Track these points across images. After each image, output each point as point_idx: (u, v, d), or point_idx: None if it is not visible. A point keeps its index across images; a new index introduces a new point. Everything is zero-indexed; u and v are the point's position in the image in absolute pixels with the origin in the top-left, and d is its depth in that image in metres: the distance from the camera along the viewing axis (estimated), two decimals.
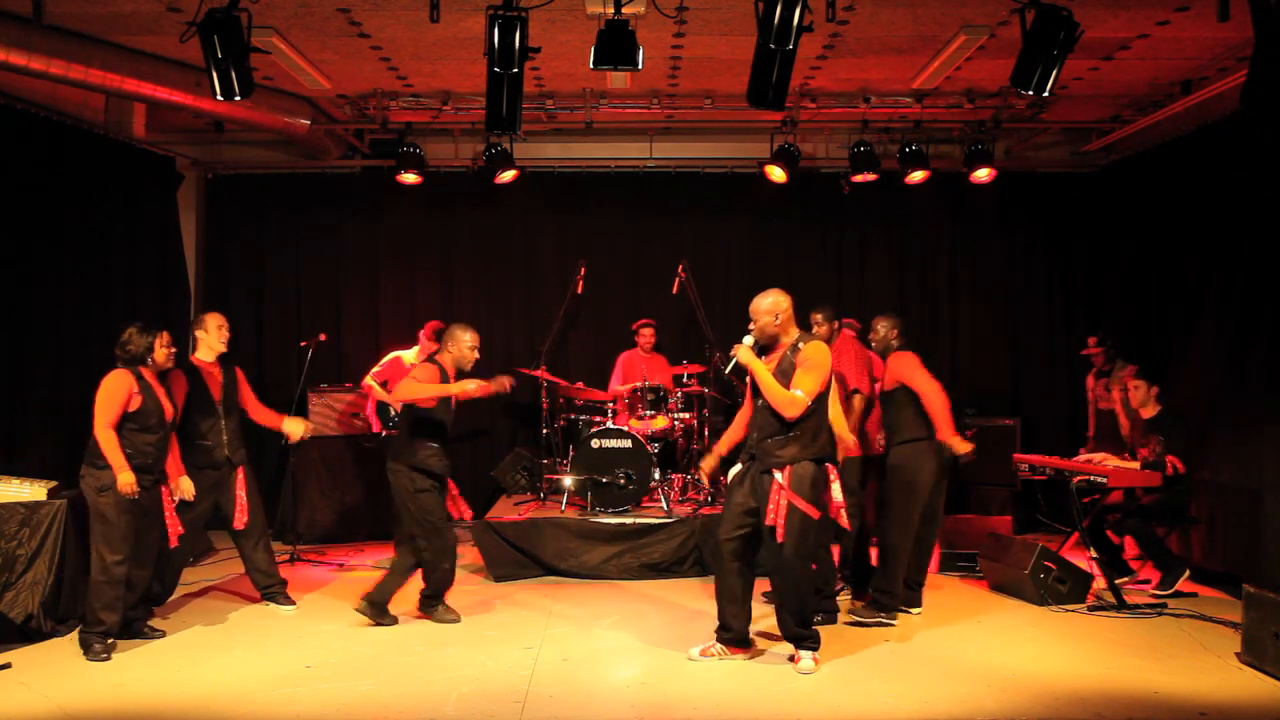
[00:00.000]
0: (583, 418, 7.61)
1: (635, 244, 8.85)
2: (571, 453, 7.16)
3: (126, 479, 4.89)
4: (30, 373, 6.52)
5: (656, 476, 6.98)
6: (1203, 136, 7.01)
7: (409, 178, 7.92)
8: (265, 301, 8.78)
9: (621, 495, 6.88)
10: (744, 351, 4.82)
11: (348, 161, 8.76)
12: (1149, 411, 6.42)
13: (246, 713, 4.29)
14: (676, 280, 7.92)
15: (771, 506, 4.69)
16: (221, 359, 5.75)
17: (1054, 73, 4.89)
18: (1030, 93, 4.95)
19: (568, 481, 7.04)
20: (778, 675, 4.75)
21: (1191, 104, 6.93)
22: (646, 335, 8.11)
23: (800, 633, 4.82)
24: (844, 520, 4.94)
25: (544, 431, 7.79)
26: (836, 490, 4.84)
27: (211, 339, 5.71)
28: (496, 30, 4.87)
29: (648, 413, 7.37)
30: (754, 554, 4.95)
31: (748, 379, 4.93)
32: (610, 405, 7.51)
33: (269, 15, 5.78)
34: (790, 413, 4.66)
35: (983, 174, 7.96)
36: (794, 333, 4.86)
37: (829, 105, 7.75)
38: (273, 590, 5.95)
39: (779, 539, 4.67)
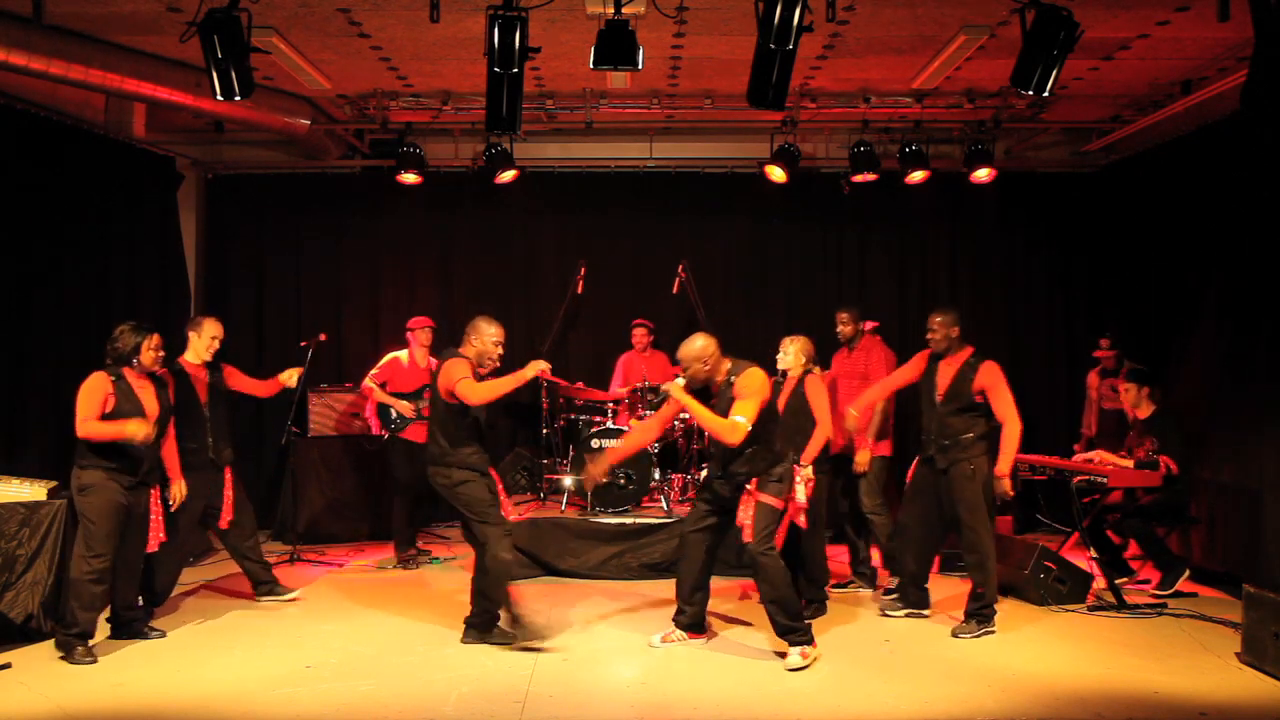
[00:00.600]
0: (583, 418, 7.61)
1: (635, 244, 8.85)
2: (571, 453, 7.16)
3: (136, 427, 4.84)
4: (30, 373, 6.52)
5: (656, 476, 6.98)
6: (1203, 136, 7.00)
7: (409, 178, 7.92)
8: (265, 301, 8.77)
9: (621, 495, 6.88)
10: (675, 389, 4.92)
11: (348, 161, 8.76)
12: (1144, 412, 6.42)
13: (246, 713, 4.28)
14: (676, 280, 7.92)
15: (741, 509, 4.92)
16: (208, 362, 5.76)
17: (1054, 73, 4.89)
18: (1030, 93, 4.95)
19: (568, 481, 7.04)
20: (778, 675, 4.75)
21: (1191, 104, 6.93)
22: (639, 335, 8.10)
23: (788, 624, 4.88)
24: (802, 521, 5.20)
25: (544, 431, 7.79)
26: (801, 492, 5.10)
27: (200, 346, 5.69)
28: (496, 30, 4.87)
29: (648, 413, 7.36)
30: (715, 547, 5.20)
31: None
32: (610, 405, 7.52)
33: (269, 15, 5.78)
34: (732, 439, 4.76)
35: (983, 174, 7.95)
36: (724, 368, 4.96)
37: (829, 105, 7.75)
38: (267, 584, 6.02)
39: (746, 539, 4.86)
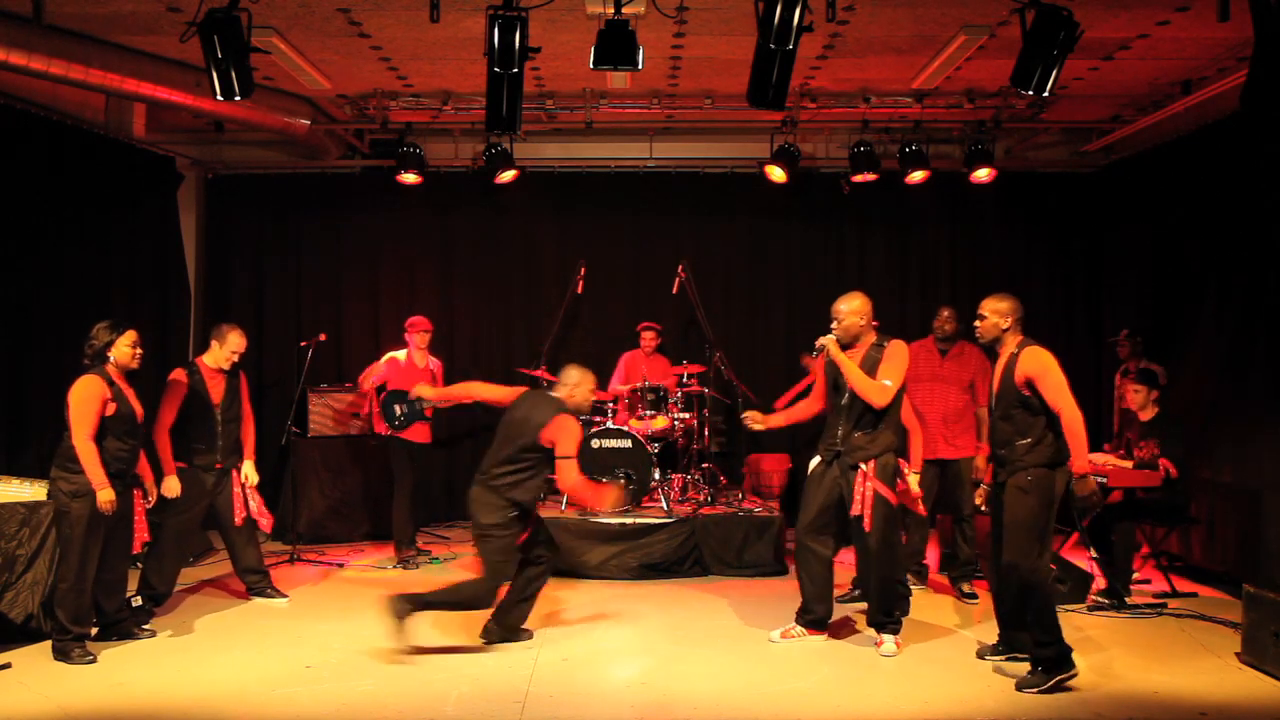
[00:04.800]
0: (582, 418, 7.59)
1: (635, 244, 8.85)
2: None
3: (107, 496, 4.81)
4: (30, 373, 6.52)
5: (656, 476, 6.98)
6: (1203, 136, 7.00)
7: (409, 178, 7.92)
8: (265, 301, 8.78)
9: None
10: (830, 343, 5.02)
11: (348, 161, 8.76)
12: (1147, 414, 6.41)
13: (246, 713, 4.29)
14: (676, 280, 7.92)
15: (858, 497, 4.95)
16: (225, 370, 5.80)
17: (1054, 73, 4.89)
18: (1030, 93, 4.96)
19: None
20: (777, 675, 4.76)
21: (1191, 104, 6.93)
22: (648, 338, 8.11)
23: (884, 618, 5.06)
24: (920, 508, 5.24)
25: None
26: (914, 480, 5.21)
27: (220, 354, 5.73)
28: (496, 30, 4.87)
29: (648, 413, 7.37)
30: (833, 544, 5.21)
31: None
32: (610, 405, 7.51)
33: (269, 15, 5.78)
34: (880, 400, 4.90)
35: (983, 174, 7.95)
36: (874, 334, 5.09)
37: (829, 105, 7.75)
38: (261, 586, 6.05)
39: (866, 528, 4.92)
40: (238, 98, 5.04)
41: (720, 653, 5.10)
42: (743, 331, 8.75)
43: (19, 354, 6.48)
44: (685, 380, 7.70)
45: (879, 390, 4.89)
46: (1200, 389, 6.75)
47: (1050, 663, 4.51)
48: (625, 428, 7.07)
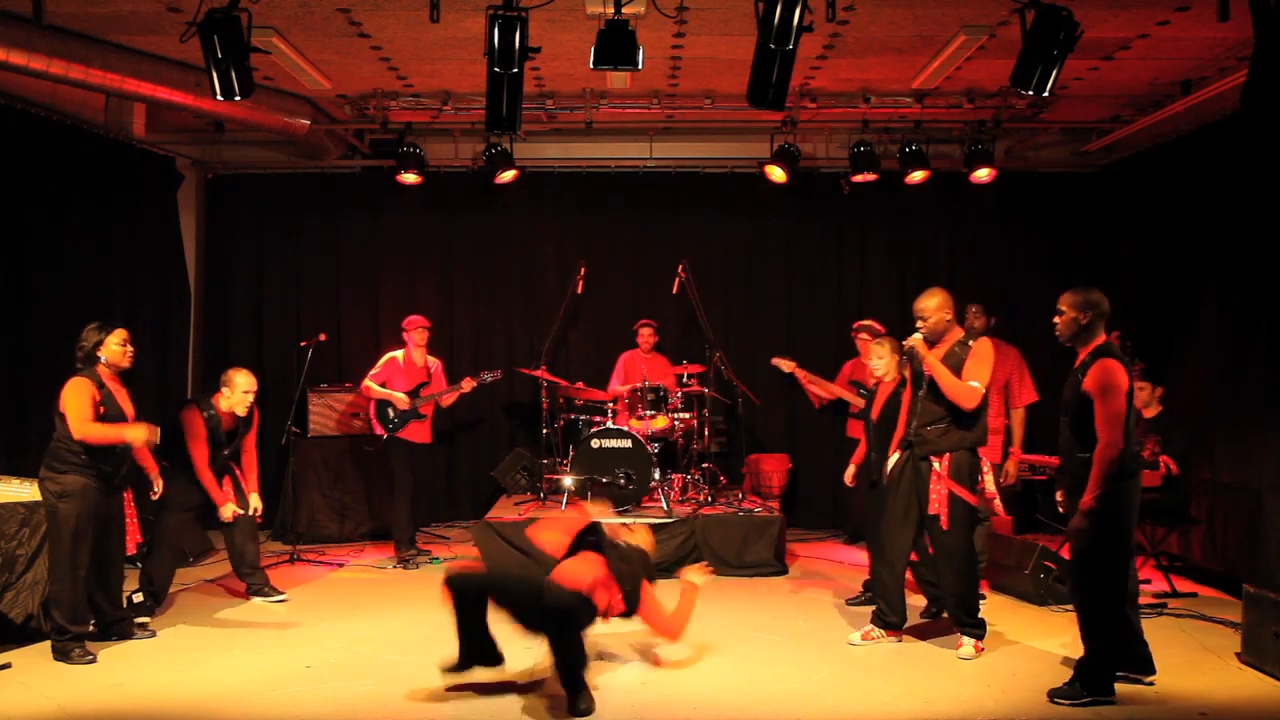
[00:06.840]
0: (583, 418, 7.62)
1: (635, 244, 8.86)
2: (571, 453, 7.17)
3: (136, 432, 4.92)
4: (30, 373, 6.53)
5: (656, 476, 6.98)
6: (1203, 136, 7.01)
7: (409, 178, 7.92)
8: (265, 301, 8.78)
9: (621, 495, 6.88)
10: (919, 343, 4.96)
11: (348, 161, 8.76)
12: (1150, 412, 6.42)
13: (246, 713, 4.28)
14: (676, 280, 7.92)
15: (934, 496, 4.90)
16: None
17: (1054, 73, 4.89)
18: (1030, 93, 4.96)
19: (568, 481, 7.04)
20: (777, 675, 4.76)
21: (1191, 104, 6.93)
22: (645, 335, 8.12)
23: (965, 619, 5.00)
24: (999, 507, 5.10)
25: (544, 431, 7.79)
26: (990, 480, 5.10)
27: (234, 399, 5.80)
28: (496, 30, 4.87)
29: (648, 413, 7.37)
30: (916, 546, 5.16)
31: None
32: (610, 405, 7.52)
33: (269, 15, 5.78)
34: (969, 403, 4.82)
35: (983, 174, 7.95)
36: (959, 330, 5.04)
37: (829, 105, 7.75)
38: (260, 584, 6.07)
39: (944, 526, 4.87)
40: (238, 98, 5.05)
41: (720, 653, 5.10)
42: (742, 331, 8.75)
43: (19, 354, 6.48)
44: (685, 380, 7.70)
45: (967, 393, 4.81)
46: (1200, 389, 6.75)
47: (1095, 682, 4.36)
48: (625, 428, 7.07)
